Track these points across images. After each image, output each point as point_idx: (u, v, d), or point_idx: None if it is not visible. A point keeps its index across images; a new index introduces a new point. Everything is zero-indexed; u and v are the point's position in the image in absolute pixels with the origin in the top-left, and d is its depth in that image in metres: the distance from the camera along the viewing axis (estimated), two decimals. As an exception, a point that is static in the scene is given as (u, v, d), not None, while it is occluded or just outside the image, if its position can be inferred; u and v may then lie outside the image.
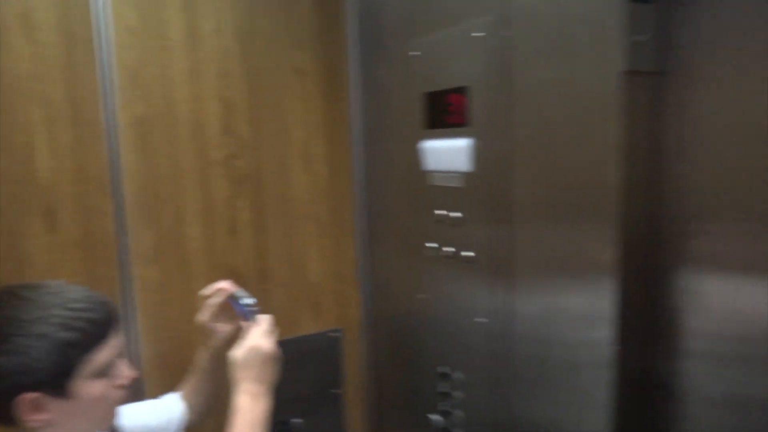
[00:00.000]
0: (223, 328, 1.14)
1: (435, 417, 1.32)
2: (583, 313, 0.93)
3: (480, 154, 1.08)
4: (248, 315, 1.09)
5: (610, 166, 0.85)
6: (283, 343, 1.09)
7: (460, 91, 1.10)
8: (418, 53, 1.23)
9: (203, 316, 1.13)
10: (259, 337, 1.04)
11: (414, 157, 1.28)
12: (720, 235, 0.81)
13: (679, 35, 0.82)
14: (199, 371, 1.18)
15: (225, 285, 1.14)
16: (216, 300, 1.13)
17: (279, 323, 1.11)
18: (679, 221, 0.86)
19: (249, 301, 1.12)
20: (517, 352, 1.07)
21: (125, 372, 0.91)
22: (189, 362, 1.20)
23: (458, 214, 1.15)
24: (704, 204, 0.82)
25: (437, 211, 1.21)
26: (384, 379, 1.61)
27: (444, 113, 1.15)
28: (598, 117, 0.85)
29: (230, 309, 1.14)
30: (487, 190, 1.07)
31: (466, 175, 1.12)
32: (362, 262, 1.60)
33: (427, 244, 1.25)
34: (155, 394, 1.22)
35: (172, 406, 1.17)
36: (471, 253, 1.13)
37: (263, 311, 1.11)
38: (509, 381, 1.09)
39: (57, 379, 0.81)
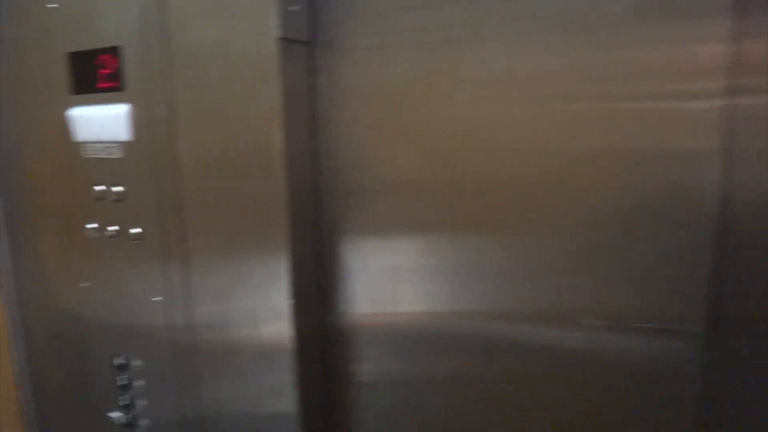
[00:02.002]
0: None
1: (116, 414, 1.20)
2: (259, 278, 0.95)
3: (139, 121, 1.00)
4: None
5: (274, 132, 0.88)
6: None
7: (111, 51, 0.99)
8: (56, 5, 1.06)
9: None
10: None
11: (62, 128, 1.11)
12: (376, 200, 0.92)
13: (326, 8, 0.89)
14: None
15: None
16: None
17: None
18: (337, 188, 0.94)
19: None
20: (197, 327, 1.04)
21: None
22: None
23: (120, 189, 1.05)
24: (356, 173, 0.92)
25: (96, 187, 1.08)
26: (51, 386, 1.39)
27: (94, 77, 1.03)
28: (257, 81, 0.87)
29: None
30: (150, 160, 1.00)
31: (125, 145, 1.02)
32: (2, 256, 1.33)
33: (88, 225, 1.11)
34: None
35: None
36: (138, 230, 1.05)
37: None
38: (192, 359, 1.06)
39: None
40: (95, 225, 1.10)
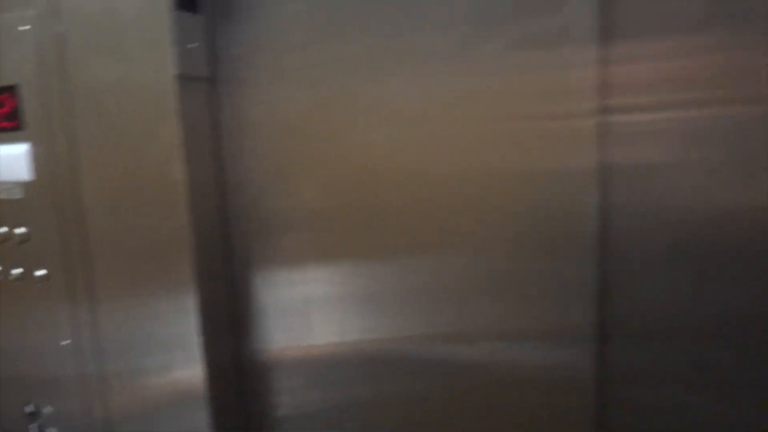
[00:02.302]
0: None
1: (27, 464, 1.14)
2: (168, 316, 0.93)
3: (40, 160, 0.97)
4: None
5: (176, 168, 0.87)
6: None
7: (8, 90, 0.97)
8: (-48, 44, 1.04)
9: None
10: None
11: (-37, 168, 1.07)
12: (285, 232, 0.93)
13: (226, 45, 0.90)
14: None
15: None
16: None
17: None
18: (247, 221, 0.94)
19: None
20: (108, 371, 1.01)
21: None
22: None
23: (23, 230, 1.02)
24: (264, 205, 0.93)
25: (-1, 229, 1.04)
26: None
27: (-7, 116, 1.00)
28: (157, 118, 0.87)
29: None
30: (53, 200, 0.98)
31: (26, 185, 0.99)
32: None
33: (-9, 269, 1.07)
34: None
35: None
36: (44, 272, 1.01)
37: None
38: (105, 404, 1.03)
39: None
40: (-1, 268, 1.06)
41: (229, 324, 0.98)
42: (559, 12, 0.71)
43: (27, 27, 0.94)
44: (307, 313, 0.94)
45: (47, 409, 1.10)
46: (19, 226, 1.02)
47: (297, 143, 0.89)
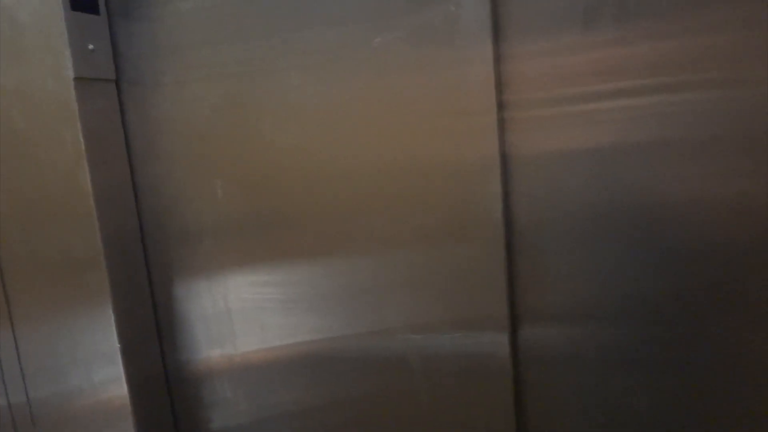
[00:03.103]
0: None
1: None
2: (87, 332, 0.89)
3: (-58, 175, 0.93)
4: None
5: (81, 174, 0.84)
6: None
7: None
8: None
9: None
10: None
11: None
12: (202, 238, 0.90)
13: (128, 45, 0.87)
14: None
15: None
16: None
17: None
18: (164, 228, 0.91)
19: None
20: (30, 395, 0.96)
21: None
22: None
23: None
24: (179, 211, 0.90)
25: None
26: None
27: None
28: (60, 122, 0.83)
29: None
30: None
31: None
32: None
33: None
34: None
35: None
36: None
37: None
38: (30, 419, 0.98)
39: None
40: None
41: (152, 335, 0.95)
42: (454, 8, 0.70)
43: None
44: (231, 320, 0.91)
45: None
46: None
47: (206, 145, 0.86)
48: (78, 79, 0.82)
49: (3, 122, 0.88)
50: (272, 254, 0.86)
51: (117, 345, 0.88)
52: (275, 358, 0.90)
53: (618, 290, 0.71)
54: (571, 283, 0.73)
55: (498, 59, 0.70)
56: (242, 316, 0.91)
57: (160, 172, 0.89)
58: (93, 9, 0.84)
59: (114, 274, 0.87)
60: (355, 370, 0.86)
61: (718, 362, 0.70)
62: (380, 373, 0.84)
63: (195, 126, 0.86)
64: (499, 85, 0.70)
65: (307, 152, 0.80)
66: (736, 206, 0.65)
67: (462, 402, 0.81)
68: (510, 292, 0.75)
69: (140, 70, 0.87)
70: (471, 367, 0.80)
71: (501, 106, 0.71)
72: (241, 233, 0.87)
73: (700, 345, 0.70)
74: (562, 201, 0.71)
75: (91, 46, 0.84)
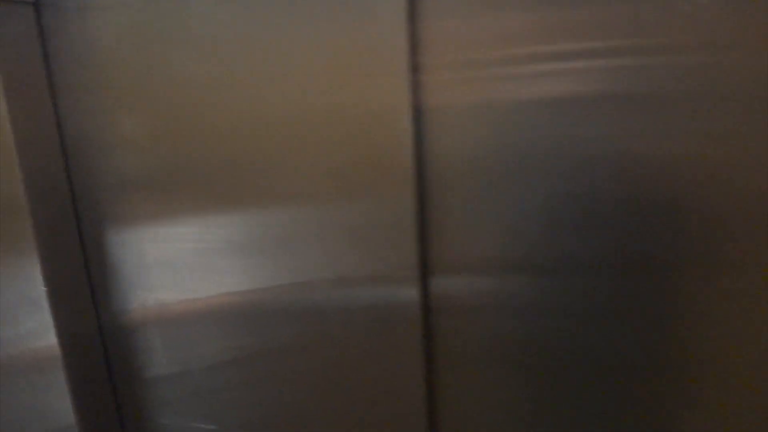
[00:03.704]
0: None
1: None
2: (15, 285, 0.83)
3: None
4: None
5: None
6: None
7: None
8: None
9: None
10: None
11: None
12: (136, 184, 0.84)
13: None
14: None
15: None
16: None
17: None
18: (96, 174, 0.85)
19: None
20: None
21: None
22: None
23: None
24: (110, 159, 0.83)
25: None
26: None
27: None
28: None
29: None
30: None
31: None
32: None
33: None
34: None
35: None
36: None
37: None
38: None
39: None
40: None
41: (83, 284, 0.89)
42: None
43: None
44: (160, 271, 0.87)
45: None
46: None
47: (138, 79, 0.80)
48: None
49: None
50: (192, 205, 0.82)
51: (43, 289, 0.82)
52: (200, 309, 0.88)
53: (529, 241, 0.74)
54: (483, 234, 0.74)
55: (413, 17, 0.69)
56: (169, 268, 0.87)
57: (85, 110, 0.82)
58: None
59: (39, 225, 0.80)
60: (275, 322, 0.85)
61: (625, 310, 0.74)
62: (299, 325, 0.85)
63: (125, 63, 0.79)
64: (413, 46, 0.69)
65: (219, 92, 0.76)
66: (646, 161, 0.67)
67: (375, 352, 0.83)
68: (421, 243, 0.76)
69: (62, -9, 0.78)
70: (383, 318, 0.81)
71: (414, 57, 0.69)
72: (161, 182, 0.82)
73: (609, 294, 0.74)
74: (477, 153, 0.72)
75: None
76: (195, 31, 0.76)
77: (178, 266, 0.87)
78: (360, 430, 0.89)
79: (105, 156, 0.83)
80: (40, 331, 0.85)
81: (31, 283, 0.83)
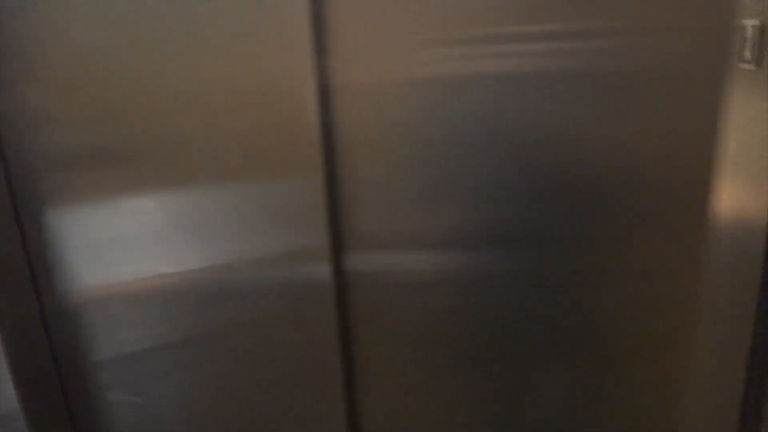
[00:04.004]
0: None
1: None
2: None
3: None
4: None
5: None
6: None
7: None
8: None
9: None
10: None
11: None
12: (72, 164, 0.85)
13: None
14: None
15: None
16: None
17: None
18: (28, 154, 0.83)
19: None
20: None
21: None
22: None
23: None
24: (45, 136, 0.83)
25: None
26: None
27: None
28: None
29: None
30: None
31: None
32: None
33: None
34: None
35: None
36: None
37: None
38: None
39: None
40: None
41: (22, 267, 0.89)
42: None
43: None
44: (106, 251, 0.88)
45: None
46: None
47: (69, 57, 0.78)
48: None
49: None
50: (116, 186, 0.84)
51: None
52: (132, 292, 0.90)
53: (440, 217, 0.76)
54: (395, 210, 0.77)
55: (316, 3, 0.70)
56: (116, 247, 0.88)
57: (22, 92, 0.80)
58: None
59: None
60: (193, 305, 0.88)
61: (537, 283, 0.77)
62: (220, 306, 0.88)
63: (62, 32, 0.77)
64: (318, 28, 0.70)
65: (125, 72, 0.77)
66: (546, 136, 0.70)
67: (292, 331, 0.86)
68: (331, 221, 0.78)
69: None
70: (299, 297, 0.84)
71: (319, 36, 0.71)
72: (88, 162, 0.84)
73: (520, 267, 0.77)
74: (386, 131, 0.74)
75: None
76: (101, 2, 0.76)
77: (106, 250, 0.87)
78: (279, 408, 0.92)
79: (38, 137, 0.83)
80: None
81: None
